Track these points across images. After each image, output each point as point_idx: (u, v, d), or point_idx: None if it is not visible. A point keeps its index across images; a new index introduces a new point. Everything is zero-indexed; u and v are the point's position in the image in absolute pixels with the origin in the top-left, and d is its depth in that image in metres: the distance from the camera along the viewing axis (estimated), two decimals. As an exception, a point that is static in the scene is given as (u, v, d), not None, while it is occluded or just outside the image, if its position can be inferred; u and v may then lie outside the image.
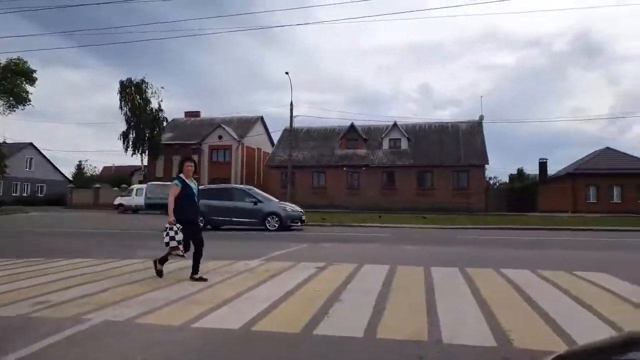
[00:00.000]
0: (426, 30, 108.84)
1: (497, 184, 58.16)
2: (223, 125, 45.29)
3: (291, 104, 37.93)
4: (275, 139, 46.23)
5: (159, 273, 6.44)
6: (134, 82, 40.19)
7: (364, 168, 39.03)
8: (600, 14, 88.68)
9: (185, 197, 6.29)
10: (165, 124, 42.70)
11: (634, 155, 37.28)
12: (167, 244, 6.12)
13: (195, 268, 6.30)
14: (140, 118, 39.65)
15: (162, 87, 43.19)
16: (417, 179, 38.30)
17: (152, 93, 40.70)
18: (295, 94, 64.26)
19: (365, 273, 7.00)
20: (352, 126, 41.75)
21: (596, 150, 39.70)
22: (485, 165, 37.79)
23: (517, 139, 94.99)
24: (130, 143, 40.68)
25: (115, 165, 64.26)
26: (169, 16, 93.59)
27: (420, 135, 41.16)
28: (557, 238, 14.46)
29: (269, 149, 47.51)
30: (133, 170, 52.90)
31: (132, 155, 41.22)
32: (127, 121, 40.53)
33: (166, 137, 43.47)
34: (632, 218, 25.71)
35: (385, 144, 40.66)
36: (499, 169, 72.68)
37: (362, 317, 4.46)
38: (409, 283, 6.23)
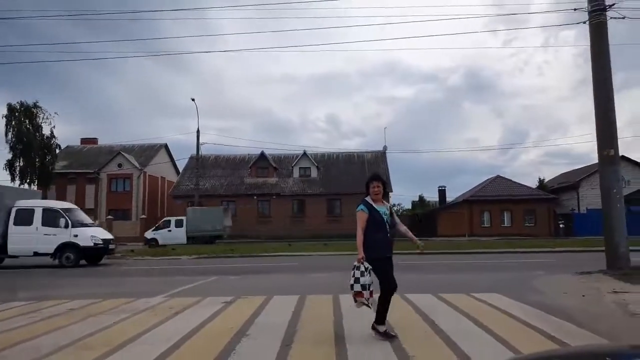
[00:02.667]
0: (331, 62, 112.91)
1: (401, 210, 60.89)
2: (123, 153, 42.96)
3: (197, 131, 37.18)
4: (181, 167, 44.67)
5: (387, 334, 4.78)
6: (25, 106, 36.96)
7: (274, 197, 38.94)
8: (486, 54, 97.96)
9: (373, 226, 4.91)
10: (58, 151, 39.59)
11: (521, 182, 41.16)
12: (351, 287, 4.68)
13: (381, 317, 4.81)
14: (30, 145, 36.36)
15: (55, 113, 39.98)
16: (327, 206, 38.92)
17: (44, 118, 37.66)
18: (203, 121, 63.29)
19: (274, 305, 6.86)
20: (262, 154, 41.68)
21: (489, 178, 43.16)
22: (390, 193, 39.43)
23: (418, 167, 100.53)
24: (17, 172, 37.06)
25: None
26: (64, 37, 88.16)
27: (329, 164, 42.13)
28: (456, 261, 15.31)
29: (173, 178, 45.75)
30: (20, 201, 48.17)
31: (20, 186, 37.49)
32: (13, 148, 37.00)
33: (59, 166, 40.27)
34: (519, 240, 28.10)
35: (296, 173, 41.01)
36: (402, 196, 76.16)
37: (270, 352, 4.32)
38: (318, 313, 6.19)
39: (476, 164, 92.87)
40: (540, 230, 36.00)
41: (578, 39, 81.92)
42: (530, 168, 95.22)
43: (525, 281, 9.35)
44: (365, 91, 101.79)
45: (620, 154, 11.66)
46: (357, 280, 4.64)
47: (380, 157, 42.32)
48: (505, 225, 37.68)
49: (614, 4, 11.20)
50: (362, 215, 4.92)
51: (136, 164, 42.72)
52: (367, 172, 40.39)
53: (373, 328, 4.82)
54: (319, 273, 11.85)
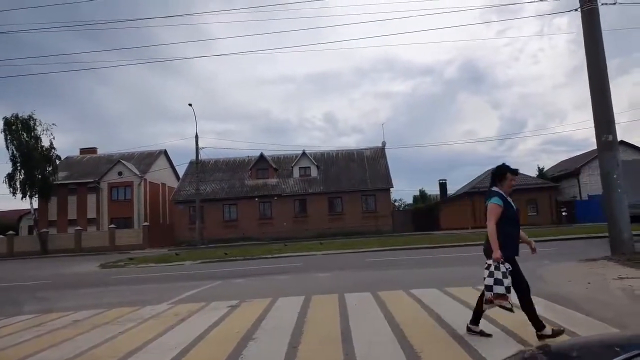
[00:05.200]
0: (326, 60, 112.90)
1: (403, 205, 60.90)
2: (123, 161, 42.95)
3: (196, 136, 37.20)
4: (181, 173, 44.65)
5: (483, 333, 4.57)
6: (21, 119, 36.92)
7: (275, 198, 38.93)
8: (481, 45, 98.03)
9: (507, 222, 4.41)
10: (58, 162, 39.55)
11: (522, 172, 40.93)
12: (490, 288, 4.21)
13: (538, 321, 4.33)
14: (30, 157, 36.32)
15: (53, 124, 39.94)
16: (328, 205, 38.92)
17: (42, 130, 37.62)
18: (201, 125, 63.28)
19: (280, 307, 6.85)
20: (261, 156, 41.66)
21: (489, 169, 43.13)
22: (390, 189, 39.41)
23: (418, 161, 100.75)
24: (18, 185, 37.04)
25: (-1, 210, 58.00)
26: (57, 48, 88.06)
27: (328, 162, 42.11)
28: (461, 254, 15.25)
29: (174, 184, 45.73)
30: (21, 214, 48.19)
31: (22, 199, 37.49)
32: (13, 161, 36.98)
33: (60, 177, 40.25)
34: (523, 230, 28.01)
35: (296, 173, 40.99)
36: (403, 191, 76.40)
37: (278, 354, 4.31)
38: (324, 313, 6.18)
39: (476, 156, 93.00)
40: (543, 219, 35.98)
41: (571, 26, 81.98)
42: (530, 157, 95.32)
43: (530, 270, 9.27)
44: (362, 87, 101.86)
45: (619, 138, 11.65)
46: (498, 282, 4.16)
47: (379, 153, 42.28)
48: (510, 215, 37.62)
49: (606, -10, 11.18)
50: (497, 209, 4.38)
51: (136, 171, 42.72)
52: (367, 168, 40.41)
53: (540, 335, 4.26)
54: (323, 273, 11.84)
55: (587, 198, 36.34)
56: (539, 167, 46.09)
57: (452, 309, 5.97)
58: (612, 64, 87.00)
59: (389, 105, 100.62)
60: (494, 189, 4.51)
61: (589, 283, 7.49)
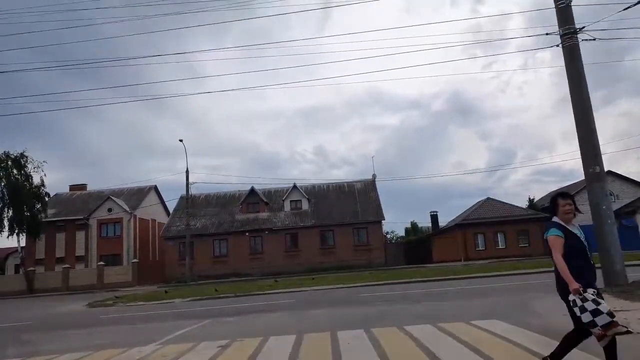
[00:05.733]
0: (315, 95, 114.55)
1: (394, 238, 60.73)
2: (112, 197, 42.66)
3: (187, 171, 37.19)
4: (172, 208, 44.34)
5: None
6: (12, 157, 36.73)
7: (266, 232, 38.66)
8: (468, 78, 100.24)
9: (574, 251, 3.94)
10: (47, 199, 39.17)
11: (512, 203, 41.41)
12: (593, 323, 3.67)
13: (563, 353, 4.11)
14: (20, 195, 35.92)
15: (44, 162, 39.84)
16: (320, 238, 38.69)
17: (33, 168, 37.41)
18: (191, 160, 63.29)
19: (271, 347, 6.69)
20: (252, 190, 41.59)
21: (480, 201, 43.35)
22: (382, 221, 39.36)
23: (409, 193, 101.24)
24: (6, 223, 36.49)
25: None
26: (48, 86, 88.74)
27: (319, 195, 42.12)
28: (452, 288, 15.15)
29: (164, 219, 45.34)
30: (7, 253, 47.31)
31: (8, 237, 36.86)
32: (2, 199, 36.56)
33: (49, 214, 39.79)
34: (515, 262, 28.03)
35: (287, 206, 40.88)
36: (394, 224, 76.46)
37: (269, 399, 4.18)
38: (316, 353, 6.05)
39: (466, 187, 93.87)
40: (535, 250, 35.97)
41: (554, 59, 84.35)
42: (520, 188, 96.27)
43: (524, 304, 9.27)
44: (352, 121, 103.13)
45: (607, 169, 11.81)
46: (596, 313, 3.63)
47: (370, 186, 42.43)
48: (500, 247, 37.63)
49: (584, 27, 11.55)
50: (558, 241, 3.96)
51: (126, 207, 42.38)
52: (358, 201, 40.43)
53: None
54: (315, 309, 11.65)
55: (578, 228, 36.41)
56: (529, 198, 46.37)
57: (448, 346, 5.87)
58: (597, 96, 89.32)
59: (378, 137, 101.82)
60: (553, 219, 4.11)
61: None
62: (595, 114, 11.58)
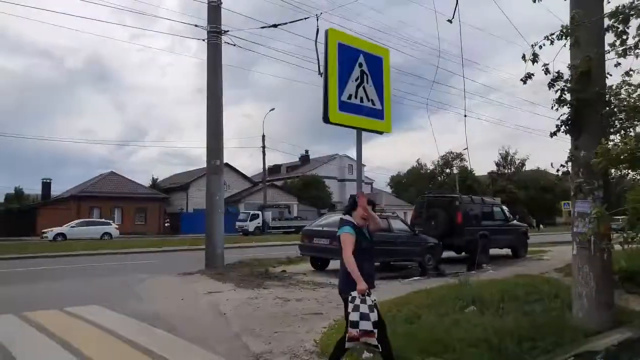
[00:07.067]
0: None
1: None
2: None
3: None
4: None
5: None
6: None
7: None
8: (113, 44, 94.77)
9: (362, 250, 3.88)
10: None
11: (136, 180, 41.35)
12: (356, 324, 3.62)
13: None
14: None
15: None
16: None
17: None
18: None
19: None
20: None
21: (103, 174, 41.33)
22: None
23: (17, 154, 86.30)
24: None
25: None
26: None
27: None
28: (49, 267, 13.34)
29: None
30: None
31: None
32: None
33: None
34: (128, 240, 27.98)
35: None
36: (-3, 188, 63.43)
37: None
38: None
39: (91, 157, 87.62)
40: (151, 229, 37.07)
41: (199, 52, 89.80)
42: (147, 166, 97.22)
43: (128, 287, 9.07)
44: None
45: (225, 161, 13.13)
46: (365, 317, 3.65)
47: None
48: (116, 223, 36.94)
49: (228, 31, 12.56)
50: (350, 239, 3.85)
51: None
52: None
53: None
54: None
55: (192, 211, 39.57)
56: (153, 178, 47.14)
57: (32, 341, 5.04)
58: (229, 94, 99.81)
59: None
60: (348, 217, 4.04)
61: (182, 299, 7.84)
62: (224, 111, 12.68)
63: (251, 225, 35.54)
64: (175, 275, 10.76)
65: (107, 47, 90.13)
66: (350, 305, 3.74)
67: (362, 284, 3.70)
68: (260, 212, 36.79)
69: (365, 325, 3.66)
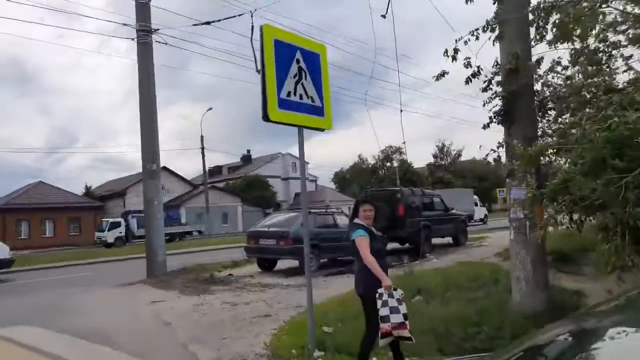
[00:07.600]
0: None
1: None
2: None
3: None
4: None
5: None
6: None
7: None
8: (35, 44, 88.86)
9: (376, 251, 4.02)
10: None
11: (67, 189, 39.18)
12: (387, 318, 3.71)
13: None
14: None
15: None
16: None
17: None
18: None
19: None
20: None
21: (30, 184, 38.88)
22: None
23: None
24: None
25: None
26: None
27: None
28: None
29: None
30: None
31: None
32: None
33: None
34: (62, 252, 26.47)
35: None
36: None
37: None
38: None
39: (14, 167, 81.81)
40: (87, 239, 35.15)
41: (129, 51, 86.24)
42: (79, 173, 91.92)
43: (63, 302, 8.53)
44: None
45: (163, 164, 12.67)
46: (395, 310, 3.77)
47: None
48: (48, 235, 34.90)
49: (158, 29, 12.12)
50: (365, 241, 4.02)
51: None
52: None
53: None
54: None
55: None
56: (86, 185, 44.80)
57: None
58: (162, 94, 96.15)
59: None
60: (356, 221, 4.24)
61: (124, 312, 7.48)
62: (158, 112, 12.23)
63: (110, 236, 30.40)
64: (115, 287, 10.25)
65: (27, 48, 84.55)
66: (379, 302, 3.84)
67: (387, 280, 3.87)
68: (122, 220, 32.16)
69: (397, 318, 3.77)
